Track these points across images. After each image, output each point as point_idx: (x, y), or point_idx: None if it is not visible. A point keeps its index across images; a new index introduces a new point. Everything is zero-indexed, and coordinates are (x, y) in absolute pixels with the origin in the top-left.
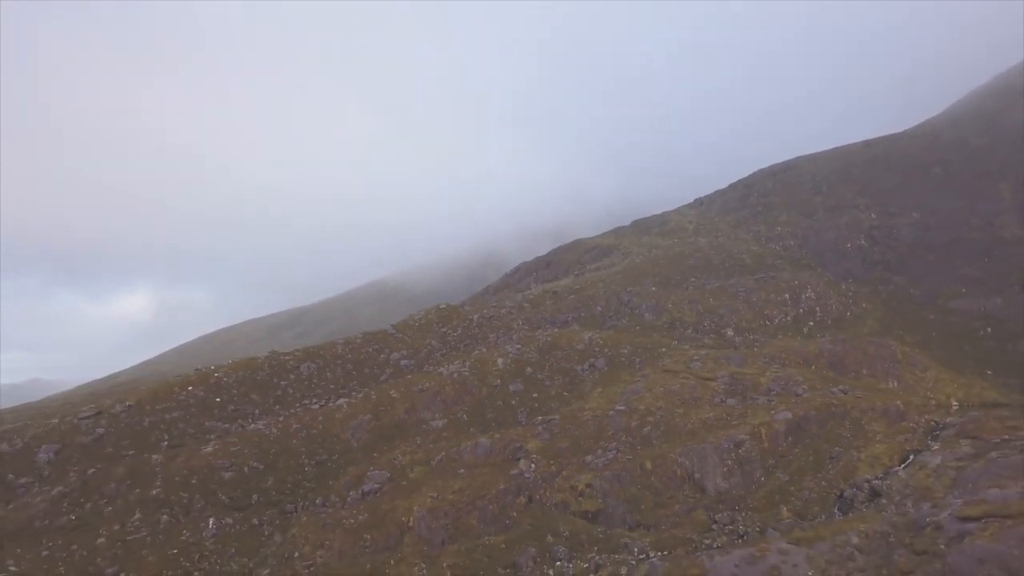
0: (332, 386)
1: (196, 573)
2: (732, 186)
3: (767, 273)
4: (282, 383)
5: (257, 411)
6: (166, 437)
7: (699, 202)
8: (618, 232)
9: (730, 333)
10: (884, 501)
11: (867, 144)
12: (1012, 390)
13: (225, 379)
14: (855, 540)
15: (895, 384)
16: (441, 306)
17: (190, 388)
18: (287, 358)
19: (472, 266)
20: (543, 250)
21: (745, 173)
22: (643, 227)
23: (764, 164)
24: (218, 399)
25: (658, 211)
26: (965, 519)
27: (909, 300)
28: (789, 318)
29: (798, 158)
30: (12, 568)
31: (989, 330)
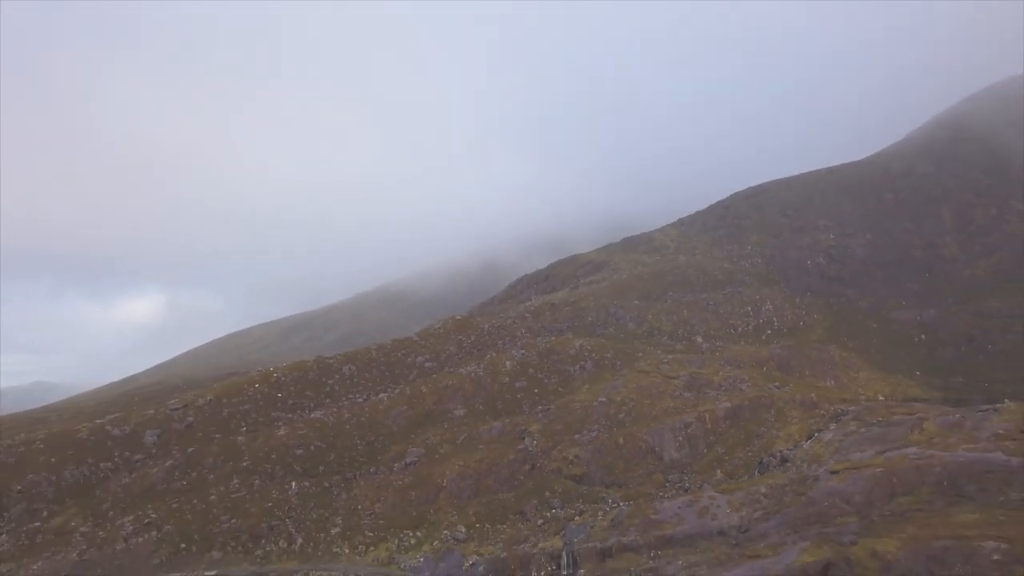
0: (371, 384)
1: (287, 520)
2: (711, 207)
3: (735, 288)
4: (329, 381)
5: (312, 404)
6: (244, 424)
7: (681, 222)
8: (609, 248)
9: (699, 340)
10: (789, 464)
11: (830, 171)
12: (933, 388)
13: (283, 378)
14: (763, 490)
15: (832, 383)
16: (457, 317)
17: (256, 386)
18: (331, 361)
19: (473, 273)
20: (541, 259)
21: (731, 192)
22: (631, 244)
23: (744, 184)
24: (279, 394)
25: (651, 223)
26: (832, 472)
27: (856, 311)
28: (750, 327)
29: (769, 182)
30: (152, 515)
31: (923, 337)
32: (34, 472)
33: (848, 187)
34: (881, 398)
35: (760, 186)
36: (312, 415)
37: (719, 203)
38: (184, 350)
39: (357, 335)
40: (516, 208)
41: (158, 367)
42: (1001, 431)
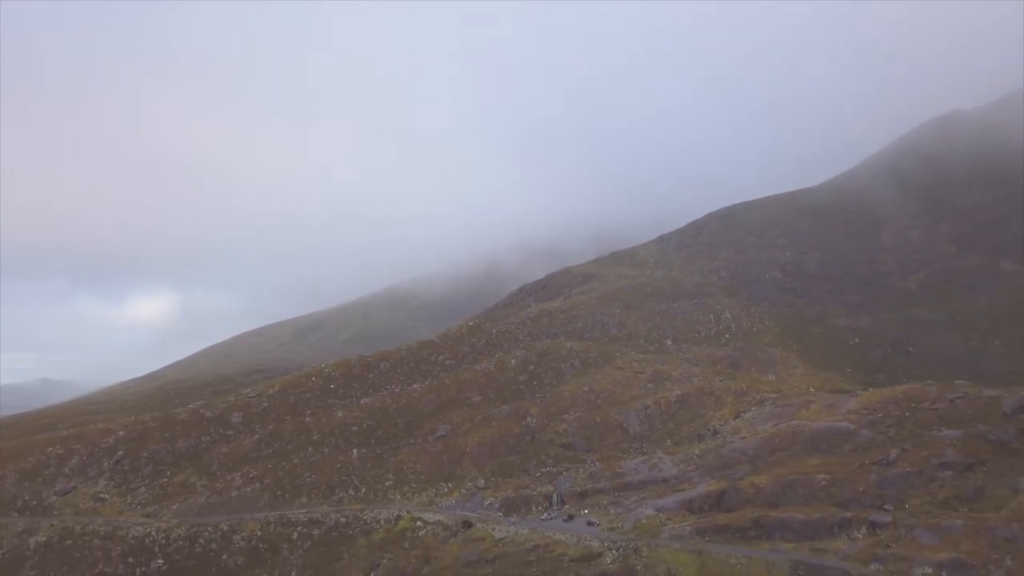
0: (403, 377)
1: (353, 476)
2: (688, 226)
3: (702, 299)
4: (370, 375)
5: (359, 393)
6: (308, 408)
7: (661, 239)
8: (599, 261)
9: (668, 343)
10: (718, 435)
11: (791, 195)
12: (858, 383)
13: (333, 373)
14: (696, 452)
15: (773, 378)
16: (470, 323)
17: (313, 379)
18: (370, 359)
19: (475, 277)
20: (537, 265)
21: (708, 207)
22: (617, 258)
23: (722, 198)
24: (332, 385)
25: (637, 233)
26: (744, 438)
27: (803, 319)
28: (712, 332)
29: (738, 204)
30: (253, 473)
31: (856, 341)
32: (154, 443)
33: (805, 209)
34: (812, 390)
35: (730, 207)
36: (361, 401)
37: (694, 222)
38: (197, 349)
39: (368, 335)
40: (515, 218)
41: (181, 364)
42: (851, 409)
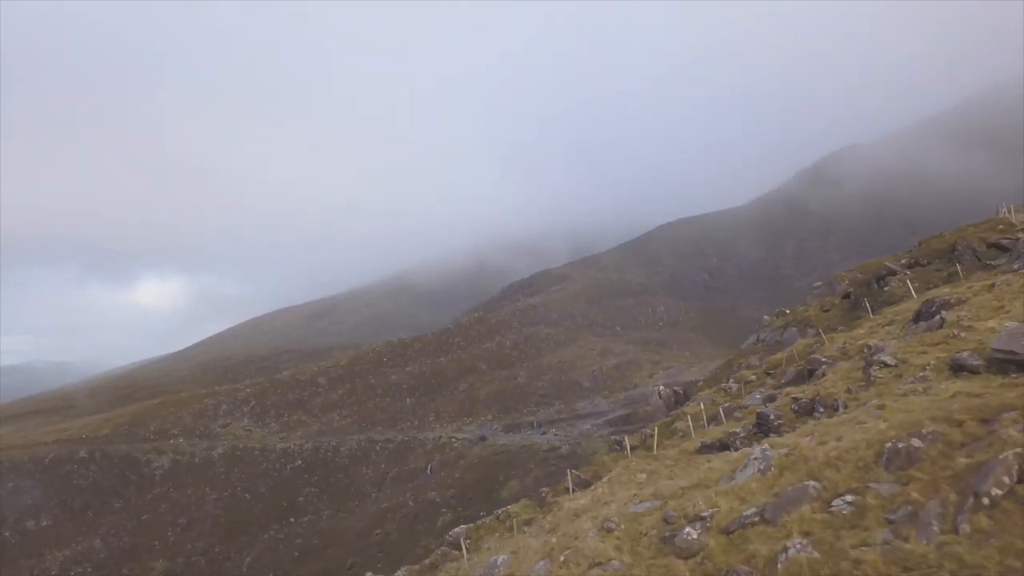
0: (431, 353)
1: (408, 415)
2: (640, 237)
3: (646, 296)
4: (408, 352)
5: (403, 363)
6: (370, 374)
7: (621, 247)
8: (572, 265)
9: (618, 329)
10: (637, 388)
11: (720, 213)
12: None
13: (383, 350)
14: (621, 397)
15: (688, 354)
16: (476, 315)
17: (369, 355)
18: (407, 341)
19: (468, 269)
20: (520, 262)
21: (660, 220)
22: (587, 262)
23: (674, 210)
24: (384, 359)
25: (605, 235)
26: (647, 387)
27: (718, 311)
28: (650, 321)
29: (680, 220)
30: (345, 413)
31: (756, 327)
32: (273, 397)
33: (731, 225)
34: (719, 361)
35: (674, 222)
36: (406, 369)
37: (646, 234)
38: (206, 333)
39: (374, 321)
40: (500, 219)
41: (206, 344)
42: (707, 370)
